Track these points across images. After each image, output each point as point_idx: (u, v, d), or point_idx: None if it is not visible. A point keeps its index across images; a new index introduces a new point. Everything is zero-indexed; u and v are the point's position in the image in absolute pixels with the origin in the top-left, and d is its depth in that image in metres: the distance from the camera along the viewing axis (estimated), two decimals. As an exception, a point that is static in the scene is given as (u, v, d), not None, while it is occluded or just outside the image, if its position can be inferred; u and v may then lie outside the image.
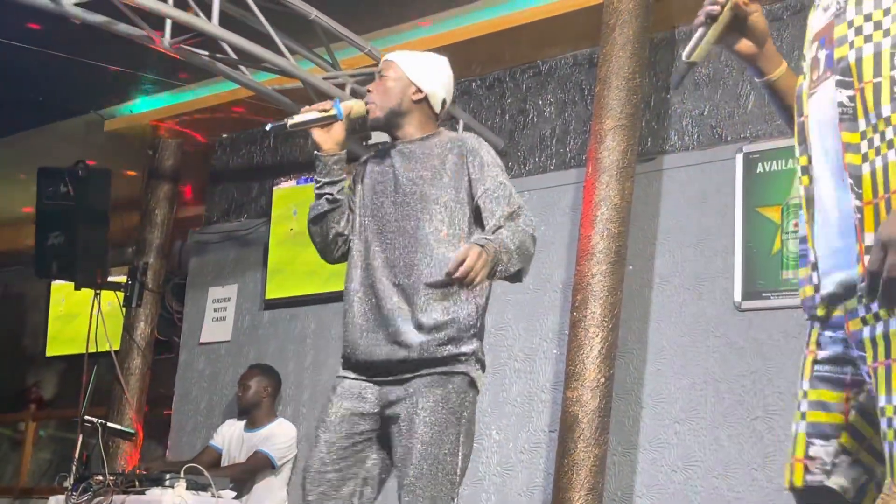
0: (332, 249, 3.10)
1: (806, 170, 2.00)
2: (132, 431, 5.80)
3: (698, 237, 4.67)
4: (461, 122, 5.26)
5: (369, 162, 3.14)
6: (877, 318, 1.82)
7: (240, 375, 5.55)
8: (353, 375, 2.95)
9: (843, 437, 1.94)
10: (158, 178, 6.64)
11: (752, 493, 4.22)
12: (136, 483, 4.49)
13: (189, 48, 4.51)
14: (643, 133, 4.80)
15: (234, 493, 4.71)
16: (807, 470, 1.95)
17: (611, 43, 4.66)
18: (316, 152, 3.02)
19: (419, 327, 2.88)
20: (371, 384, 2.93)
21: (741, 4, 1.99)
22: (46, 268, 6.10)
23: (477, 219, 3.00)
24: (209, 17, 4.32)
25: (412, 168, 3.03)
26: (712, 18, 1.98)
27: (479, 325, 2.95)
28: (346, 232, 3.06)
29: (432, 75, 3.12)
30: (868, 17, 1.89)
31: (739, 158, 4.62)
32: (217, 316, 6.35)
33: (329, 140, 3.00)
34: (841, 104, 1.90)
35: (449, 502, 2.82)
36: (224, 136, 6.62)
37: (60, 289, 7.99)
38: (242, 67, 4.74)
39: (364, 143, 2.99)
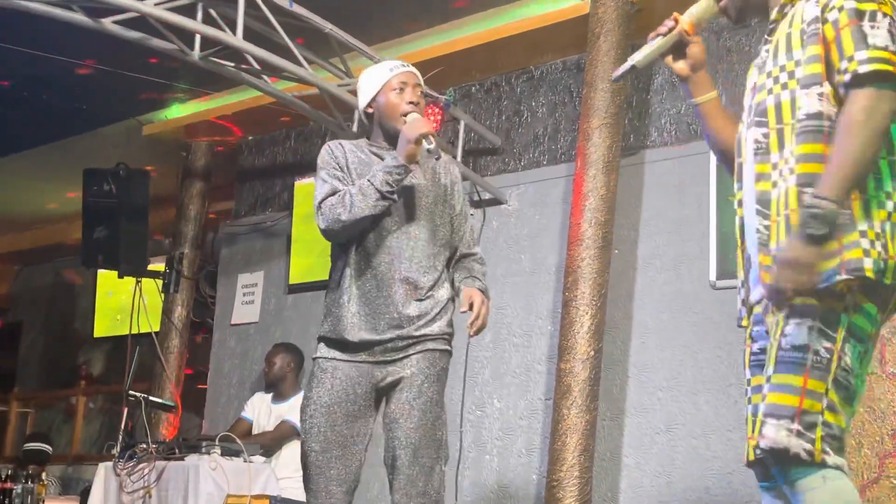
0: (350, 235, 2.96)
1: (741, 202, 2.12)
2: (172, 404, 5.82)
3: (677, 223, 4.66)
4: (462, 123, 5.24)
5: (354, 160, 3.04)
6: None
7: (266, 353, 5.54)
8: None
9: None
10: (191, 177, 6.64)
11: (728, 452, 4.23)
12: (177, 450, 4.50)
13: (217, 60, 4.49)
14: (626, 130, 4.79)
15: (263, 459, 4.71)
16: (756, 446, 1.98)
17: (596, 50, 4.65)
18: (405, 163, 2.85)
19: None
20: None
21: (684, 33, 2.14)
22: (93, 258, 6.10)
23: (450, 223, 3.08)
24: (234, 31, 4.30)
25: (414, 176, 2.98)
26: (661, 37, 2.15)
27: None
28: None
29: None
30: (782, 68, 2.00)
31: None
32: (246, 300, 6.35)
33: (415, 157, 2.88)
34: (757, 141, 2.01)
35: None
36: (250, 138, 6.61)
37: (106, 277, 7.98)
38: (265, 76, 4.72)
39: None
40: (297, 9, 4.50)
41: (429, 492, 2.80)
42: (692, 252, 4.58)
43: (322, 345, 2.98)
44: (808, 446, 1.83)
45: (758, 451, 1.90)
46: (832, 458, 1.84)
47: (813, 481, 1.84)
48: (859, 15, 1.91)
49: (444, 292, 2.98)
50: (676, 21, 2.14)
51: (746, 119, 2.10)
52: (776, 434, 1.84)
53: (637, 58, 2.16)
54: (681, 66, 2.18)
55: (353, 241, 2.96)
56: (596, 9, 4.68)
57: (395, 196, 2.86)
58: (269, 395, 5.39)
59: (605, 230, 4.50)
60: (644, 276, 4.74)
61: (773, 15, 2.09)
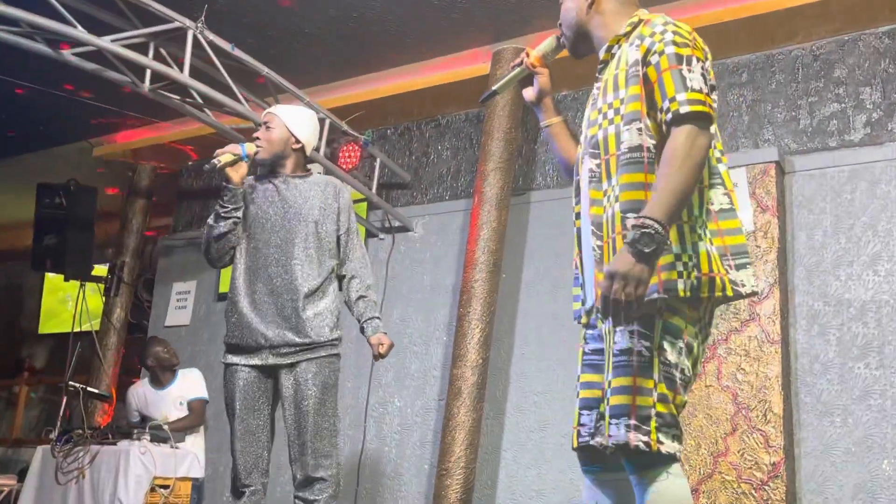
0: (224, 259, 2.96)
1: (578, 215, 2.05)
2: (107, 395, 5.54)
3: (556, 254, 4.68)
4: (378, 160, 5.18)
5: (254, 188, 3.01)
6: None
7: (147, 347, 5.02)
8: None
9: (601, 407, 1.92)
10: (135, 194, 6.41)
11: (590, 448, 4.23)
12: (110, 436, 4.27)
13: (164, 93, 4.32)
14: (516, 174, 4.80)
15: (189, 444, 4.50)
16: (579, 434, 1.97)
17: (494, 105, 4.65)
18: (227, 184, 2.88)
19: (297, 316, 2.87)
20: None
21: (531, 66, 2.14)
22: (41, 263, 5.85)
23: (336, 240, 3.00)
24: (181, 69, 4.15)
25: (292, 196, 2.95)
26: (516, 68, 2.16)
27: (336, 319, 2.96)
28: (236, 244, 2.95)
29: (306, 129, 3.03)
30: (610, 105, 1.95)
31: (588, 195, 4.64)
32: (179, 305, 6.13)
33: (237, 176, 2.89)
34: (591, 170, 1.96)
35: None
36: (189, 163, 6.40)
37: (52, 280, 7.62)
38: (206, 110, 4.57)
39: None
40: (238, 53, 4.37)
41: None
42: (567, 278, 4.58)
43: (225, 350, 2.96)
44: (645, 438, 1.77)
45: (607, 448, 1.84)
46: (666, 447, 1.78)
47: (657, 475, 1.79)
48: (678, 59, 1.86)
49: (327, 301, 2.92)
50: (528, 55, 2.13)
51: (584, 146, 2.04)
52: (618, 432, 1.79)
53: (496, 85, 2.18)
54: (529, 93, 2.16)
55: (238, 256, 2.94)
56: (495, 70, 4.68)
57: (237, 215, 2.89)
58: (148, 386, 4.99)
59: (496, 257, 4.49)
60: (526, 297, 4.73)
61: (602, 55, 2.04)
